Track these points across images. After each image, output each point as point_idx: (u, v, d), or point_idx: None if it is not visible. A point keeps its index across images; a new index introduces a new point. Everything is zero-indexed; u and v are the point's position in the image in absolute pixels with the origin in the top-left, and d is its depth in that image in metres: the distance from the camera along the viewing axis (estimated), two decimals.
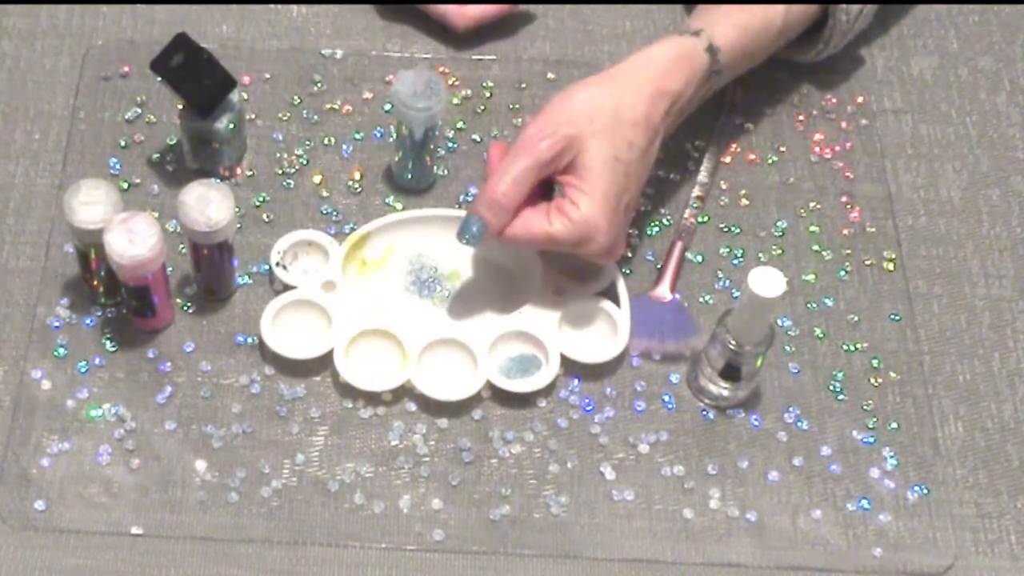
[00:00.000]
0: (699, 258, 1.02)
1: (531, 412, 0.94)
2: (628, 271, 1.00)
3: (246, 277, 0.99)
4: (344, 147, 1.05)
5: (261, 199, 1.02)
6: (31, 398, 0.93)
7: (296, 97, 1.08)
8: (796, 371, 0.97)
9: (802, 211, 1.05)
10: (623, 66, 0.94)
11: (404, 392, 0.94)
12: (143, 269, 0.89)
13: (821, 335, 0.99)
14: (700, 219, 1.03)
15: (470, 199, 1.03)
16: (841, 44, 1.08)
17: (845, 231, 1.04)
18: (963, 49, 1.15)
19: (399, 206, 1.03)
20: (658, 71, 0.93)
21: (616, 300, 0.97)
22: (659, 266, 1.01)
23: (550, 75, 1.10)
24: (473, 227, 0.90)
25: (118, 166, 1.03)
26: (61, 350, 0.95)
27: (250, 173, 1.04)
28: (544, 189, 0.92)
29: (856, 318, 0.99)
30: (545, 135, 0.90)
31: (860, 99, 1.11)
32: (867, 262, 1.02)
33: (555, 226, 0.90)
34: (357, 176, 1.04)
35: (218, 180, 0.94)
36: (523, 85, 1.10)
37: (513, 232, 0.91)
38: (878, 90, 1.12)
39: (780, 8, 1.00)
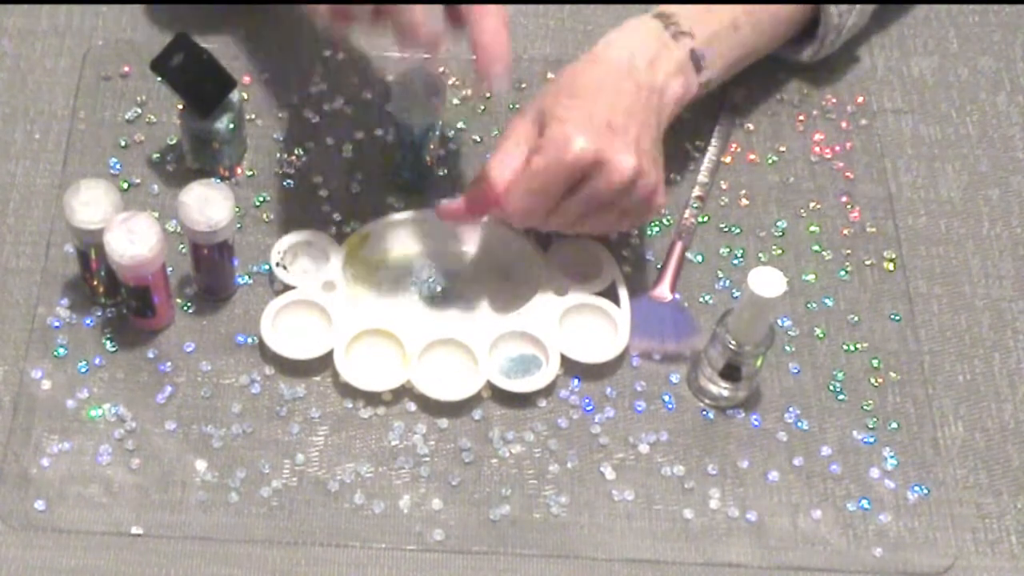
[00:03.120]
0: (699, 258, 1.02)
1: (531, 412, 0.94)
2: (628, 271, 1.00)
3: (246, 277, 0.99)
4: (344, 147, 1.05)
5: (261, 199, 1.02)
6: (31, 398, 0.93)
7: (296, 97, 1.08)
8: (796, 371, 0.97)
9: (802, 211, 1.05)
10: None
11: (404, 392, 0.94)
12: (143, 269, 0.89)
13: (821, 335, 0.99)
14: (700, 219, 1.03)
15: None
16: (838, 42, 1.08)
17: (845, 231, 1.04)
18: (963, 49, 1.15)
19: (399, 206, 1.03)
20: (604, 38, 0.95)
21: (616, 300, 0.97)
22: (659, 266, 1.01)
23: (550, 75, 1.10)
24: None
25: (118, 166, 1.03)
26: (61, 350, 0.95)
27: (250, 173, 1.04)
28: None
29: (856, 318, 0.99)
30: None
31: (860, 99, 1.11)
32: (867, 262, 1.02)
33: (533, 157, 0.89)
34: (357, 176, 1.04)
35: (218, 180, 0.94)
36: (523, 85, 1.10)
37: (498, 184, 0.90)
38: (878, 90, 1.12)
39: None
